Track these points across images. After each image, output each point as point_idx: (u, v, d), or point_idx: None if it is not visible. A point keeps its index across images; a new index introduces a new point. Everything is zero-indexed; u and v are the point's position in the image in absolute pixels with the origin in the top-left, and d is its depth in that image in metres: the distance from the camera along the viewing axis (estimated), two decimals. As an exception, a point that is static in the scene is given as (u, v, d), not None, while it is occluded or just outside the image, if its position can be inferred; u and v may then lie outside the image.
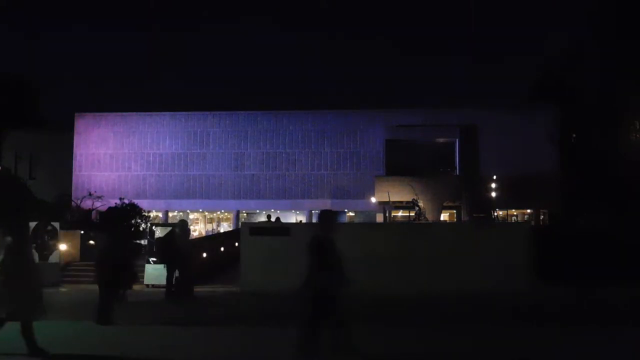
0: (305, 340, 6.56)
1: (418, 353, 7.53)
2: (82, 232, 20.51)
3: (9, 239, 6.85)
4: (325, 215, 7.37)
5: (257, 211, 41.65)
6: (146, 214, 30.39)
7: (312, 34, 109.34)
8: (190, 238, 13.92)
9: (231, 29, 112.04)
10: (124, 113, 42.23)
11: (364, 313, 9.59)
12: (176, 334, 8.72)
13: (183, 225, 13.80)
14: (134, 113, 42.12)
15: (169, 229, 15.85)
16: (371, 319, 9.66)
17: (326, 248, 6.80)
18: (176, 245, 13.15)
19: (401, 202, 36.18)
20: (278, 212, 38.84)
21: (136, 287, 14.16)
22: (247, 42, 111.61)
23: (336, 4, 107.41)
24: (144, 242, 19.84)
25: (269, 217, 24.61)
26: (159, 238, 15.45)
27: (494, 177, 36.29)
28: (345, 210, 41.42)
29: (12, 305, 6.68)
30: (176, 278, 13.10)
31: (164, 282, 15.53)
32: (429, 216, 33.42)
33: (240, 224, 34.46)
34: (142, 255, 17.54)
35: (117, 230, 16.17)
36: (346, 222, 39.49)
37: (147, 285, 15.80)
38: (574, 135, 38.40)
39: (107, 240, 10.57)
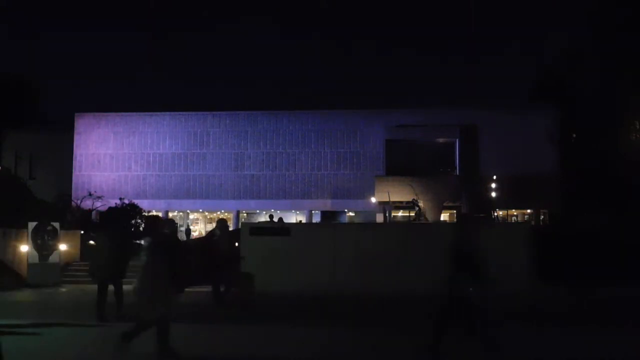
0: (434, 342, 6.46)
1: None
2: (82, 232, 20.50)
3: (147, 239, 6.89)
4: (466, 219, 7.46)
5: (257, 211, 41.66)
6: (146, 214, 30.38)
7: (312, 33, 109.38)
8: (226, 238, 12.66)
9: (231, 29, 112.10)
10: (124, 113, 42.22)
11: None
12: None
13: (223, 225, 12.88)
14: (134, 113, 42.12)
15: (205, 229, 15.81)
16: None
17: (464, 250, 6.82)
18: (218, 248, 12.25)
19: (401, 202, 36.18)
20: (279, 212, 38.87)
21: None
22: (247, 42, 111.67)
23: (336, 4, 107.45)
24: (144, 242, 19.79)
25: (271, 217, 24.53)
26: (196, 241, 13.99)
27: (494, 177, 36.30)
28: (345, 210, 41.43)
29: (160, 307, 6.60)
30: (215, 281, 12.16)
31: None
32: (429, 216, 33.42)
33: (240, 224, 34.48)
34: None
35: (120, 230, 15.93)
36: (346, 222, 39.55)
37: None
38: (574, 136, 38.39)
39: (110, 241, 10.43)
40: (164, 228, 7.69)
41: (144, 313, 6.69)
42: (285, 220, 32.94)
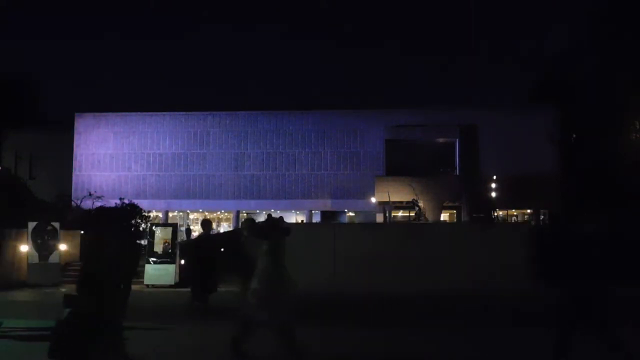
0: (559, 342, 6.36)
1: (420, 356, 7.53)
2: (82, 232, 20.50)
3: (264, 245, 6.70)
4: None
5: (257, 211, 41.65)
6: (146, 214, 30.40)
7: (312, 33, 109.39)
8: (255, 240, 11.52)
9: (231, 29, 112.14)
10: (124, 113, 42.22)
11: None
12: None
13: (251, 225, 11.30)
14: (134, 113, 42.11)
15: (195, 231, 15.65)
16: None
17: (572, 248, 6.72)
18: (245, 252, 10.57)
19: (401, 202, 36.18)
20: (279, 212, 38.83)
21: (135, 287, 14.15)
22: (247, 42, 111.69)
23: (336, 4, 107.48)
24: (143, 242, 19.83)
25: (269, 217, 24.48)
26: (221, 243, 12.52)
27: (494, 177, 36.30)
28: (345, 210, 41.43)
29: (283, 310, 6.47)
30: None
31: (164, 282, 15.59)
32: (429, 216, 33.42)
33: (240, 224, 34.46)
34: (142, 255, 17.53)
35: (126, 231, 15.82)
36: (346, 222, 39.57)
37: (147, 286, 15.79)
38: (574, 136, 38.40)
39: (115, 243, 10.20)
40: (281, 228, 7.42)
41: (257, 316, 6.44)
42: (285, 220, 32.99)
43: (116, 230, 5.97)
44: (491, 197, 35.99)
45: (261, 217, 39.74)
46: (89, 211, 28.03)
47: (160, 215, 40.45)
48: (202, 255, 11.09)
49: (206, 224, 11.84)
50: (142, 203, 31.74)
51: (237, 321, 6.58)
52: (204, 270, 10.96)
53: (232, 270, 11.18)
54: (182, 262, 16.16)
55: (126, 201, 29.05)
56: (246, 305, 6.58)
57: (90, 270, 5.21)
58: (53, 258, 16.46)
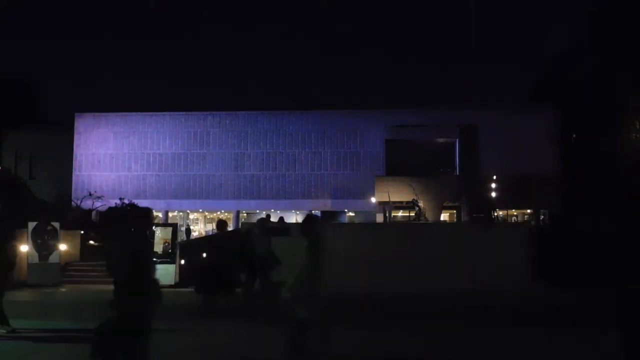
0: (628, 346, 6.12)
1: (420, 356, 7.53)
2: (82, 232, 20.51)
3: (305, 243, 6.60)
4: None
5: (257, 211, 41.65)
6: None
7: (312, 34, 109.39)
8: (266, 239, 11.13)
9: (231, 29, 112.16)
10: (124, 113, 42.23)
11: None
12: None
13: (264, 224, 11.61)
14: (134, 113, 42.12)
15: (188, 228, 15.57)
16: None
17: None
18: (254, 250, 10.86)
19: (401, 202, 36.18)
20: (279, 212, 38.84)
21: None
22: (247, 42, 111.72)
23: (336, 4, 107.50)
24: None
25: (268, 217, 24.37)
26: (231, 239, 11.88)
27: (494, 177, 36.30)
28: (345, 210, 41.43)
29: (320, 308, 6.38)
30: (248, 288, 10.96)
31: (164, 282, 15.53)
32: (429, 216, 33.41)
33: (240, 224, 34.49)
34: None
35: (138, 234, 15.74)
36: (346, 222, 39.56)
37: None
38: (574, 136, 38.41)
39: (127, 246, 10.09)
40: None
41: (302, 313, 6.35)
42: (285, 220, 33.00)
43: (141, 231, 6.03)
44: (491, 197, 35.98)
45: (259, 218, 39.66)
46: (112, 210, 28.11)
47: (160, 215, 40.47)
48: (220, 254, 10.82)
49: (222, 224, 11.48)
50: (142, 203, 31.73)
51: (290, 322, 6.47)
52: (223, 270, 10.66)
53: (244, 269, 11.04)
54: (182, 262, 16.15)
55: (126, 201, 29.05)
56: (291, 305, 6.47)
57: (129, 270, 5.27)
58: (53, 258, 16.46)
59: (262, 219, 13.10)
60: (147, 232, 16.47)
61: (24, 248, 16.58)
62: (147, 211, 27.99)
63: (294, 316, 6.38)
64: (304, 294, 6.38)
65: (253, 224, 11.84)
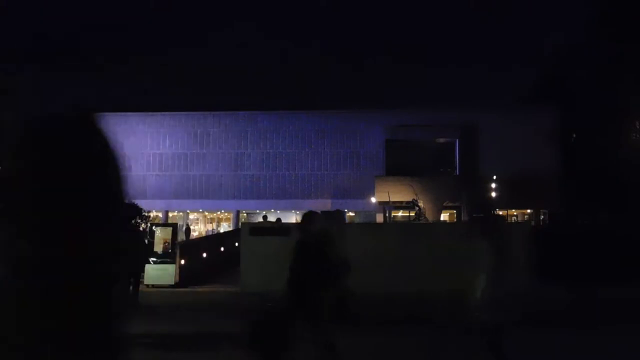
0: None
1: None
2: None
3: (485, 243, 6.40)
4: None
5: (257, 211, 41.70)
6: (146, 214, 30.34)
7: (312, 33, 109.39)
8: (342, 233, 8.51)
9: (231, 29, 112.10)
10: (124, 113, 42.24)
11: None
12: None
13: (340, 218, 8.82)
14: (134, 113, 42.14)
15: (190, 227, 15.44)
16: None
17: None
18: (330, 252, 7.65)
19: (401, 202, 36.19)
20: (278, 212, 38.86)
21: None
22: (247, 42, 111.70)
23: (336, 4, 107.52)
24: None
25: (264, 218, 24.36)
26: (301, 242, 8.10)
27: (494, 177, 36.30)
28: (345, 210, 41.39)
29: (501, 311, 6.08)
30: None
31: (164, 282, 15.57)
32: (429, 216, 33.42)
33: (240, 224, 34.49)
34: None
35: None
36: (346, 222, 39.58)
37: (148, 286, 15.78)
38: (574, 135, 38.43)
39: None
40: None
41: (491, 317, 6.10)
42: (285, 220, 33.06)
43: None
44: (491, 197, 35.99)
45: (261, 218, 39.77)
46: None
47: (160, 215, 40.48)
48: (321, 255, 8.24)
49: (311, 218, 7.44)
50: (142, 203, 31.70)
51: (484, 326, 6.23)
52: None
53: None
54: (182, 262, 16.14)
55: (126, 201, 29.02)
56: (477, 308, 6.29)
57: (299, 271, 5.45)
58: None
59: (337, 210, 10.11)
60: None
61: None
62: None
63: (482, 322, 6.14)
64: (488, 297, 6.17)
65: (325, 215, 8.59)
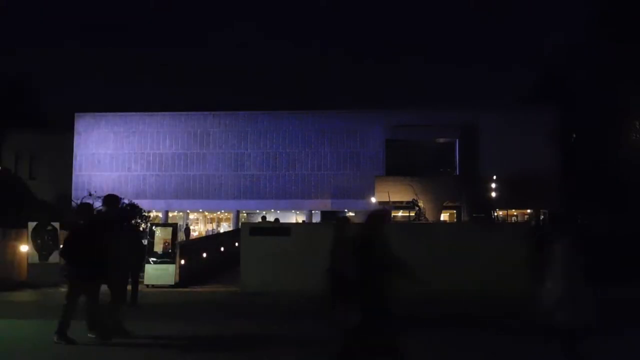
0: None
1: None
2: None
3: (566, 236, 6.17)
4: None
5: (257, 211, 41.71)
6: (146, 214, 30.34)
7: (312, 33, 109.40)
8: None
9: (232, 29, 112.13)
10: (124, 113, 42.24)
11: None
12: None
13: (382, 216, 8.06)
14: (134, 113, 42.14)
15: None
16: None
17: None
18: (375, 253, 6.94)
19: (401, 202, 36.20)
20: (278, 212, 38.87)
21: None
22: (247, 42, 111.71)
23: (336, 4, 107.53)
24: (144, 242, 19.79)
25: (263, 218, 24.35)
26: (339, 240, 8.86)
27: (494, 177, 36.31)
28: (345, 210, 41.43)
29: (586, 311, 5.95)
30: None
31: (164, 282, 15.56)
32: (429, 216, 33.42)
33: (240, 224, 34.48)
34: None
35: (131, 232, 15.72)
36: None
37: (148, 286, 15.77)
38: (574, 136, 38.43)
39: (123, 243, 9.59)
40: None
41: (556, 317, 5.94)
42: (285, 220, 33.06)
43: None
44: (491, 197, 35.99)
45: (261, 217, 39.86)
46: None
47: (160, 215, 40.48)
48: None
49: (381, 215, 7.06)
50: (142, 203, 31.69)
51: (559, 329, 6.05)
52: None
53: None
54: (182, 262, 16.13)
55: (126, 201, 29.00)
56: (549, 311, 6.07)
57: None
58: (53, 258, 16.43)
59: (379, 209, 9.70)
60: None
61: (24, 248, 16.58)
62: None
63: (558, 324, 5.94)
64: (566, 297, 5.96)
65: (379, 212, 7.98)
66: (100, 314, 8.02)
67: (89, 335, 7.87)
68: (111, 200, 8.83)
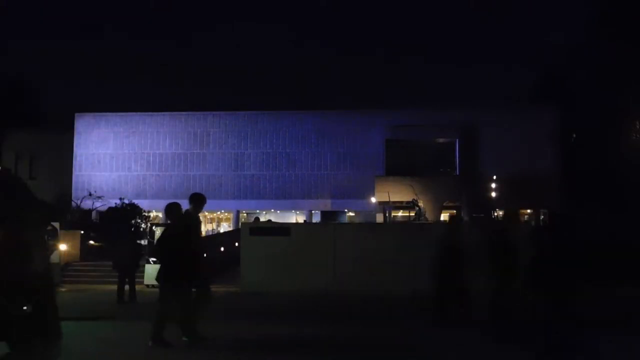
0: None
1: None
2: (82, 232, 20.53)
3: None
4: None
5: (257, 211, 41.72)
6: (146, 214, 30.41)
7: (312, 34, 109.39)
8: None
9: (231, 29, 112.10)
10: (124, 113, 42.24)
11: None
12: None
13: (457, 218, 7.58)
14: (134, 113, 42.13)
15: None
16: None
17: None
18: (460, 246, 8.60)
19: (401, 202, 36.20)
20: (278, 212, 38.92)
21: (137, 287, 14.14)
22: (247, 42, 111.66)
23: (336, 3, 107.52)
24: (143, 242, 19.86)
25: (256, 219, 24.30)
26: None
27: (494, 177, 36.30)
28: (345, 210, 41.45)
29: None
30: None
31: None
32: (429, 216, 33.43)
33: (240, 224, 34.50)
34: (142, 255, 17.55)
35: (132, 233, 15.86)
36: (346, 222, 39.56)
37: (147, 286, 15.78)
38: (574, 136, 38.44)
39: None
40: None
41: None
42: (285, 221, 33.07)
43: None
44: (491, 197, 35.99)
45: (261, 218, 39.90)
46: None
47: (160, 215, 40.48)
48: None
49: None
50: (142, 203, 31.77)
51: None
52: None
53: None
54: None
55: (126, 201, 29.07)
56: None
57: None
58: (53, 258, 16.46)
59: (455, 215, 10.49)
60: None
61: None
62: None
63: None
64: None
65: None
66: (193, 317, 7.69)
67: (183, 339, 7.57)
68: (200, 199, 8.34)
